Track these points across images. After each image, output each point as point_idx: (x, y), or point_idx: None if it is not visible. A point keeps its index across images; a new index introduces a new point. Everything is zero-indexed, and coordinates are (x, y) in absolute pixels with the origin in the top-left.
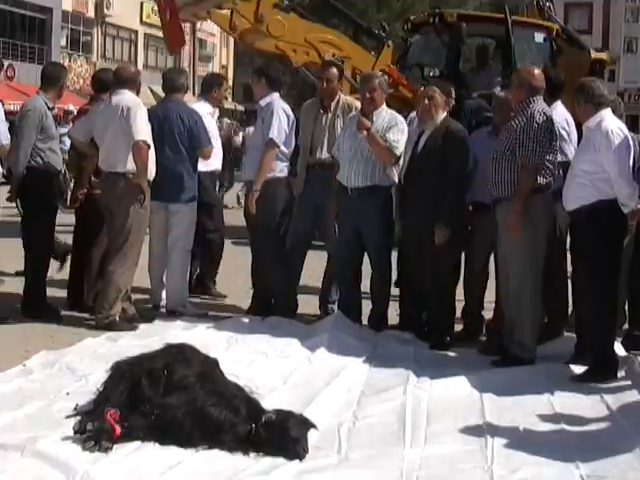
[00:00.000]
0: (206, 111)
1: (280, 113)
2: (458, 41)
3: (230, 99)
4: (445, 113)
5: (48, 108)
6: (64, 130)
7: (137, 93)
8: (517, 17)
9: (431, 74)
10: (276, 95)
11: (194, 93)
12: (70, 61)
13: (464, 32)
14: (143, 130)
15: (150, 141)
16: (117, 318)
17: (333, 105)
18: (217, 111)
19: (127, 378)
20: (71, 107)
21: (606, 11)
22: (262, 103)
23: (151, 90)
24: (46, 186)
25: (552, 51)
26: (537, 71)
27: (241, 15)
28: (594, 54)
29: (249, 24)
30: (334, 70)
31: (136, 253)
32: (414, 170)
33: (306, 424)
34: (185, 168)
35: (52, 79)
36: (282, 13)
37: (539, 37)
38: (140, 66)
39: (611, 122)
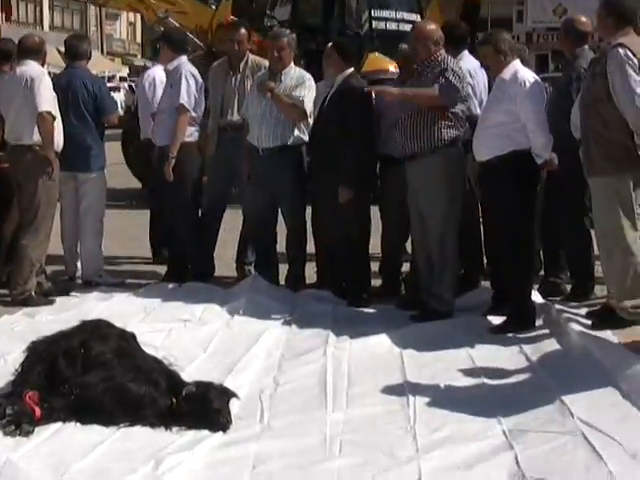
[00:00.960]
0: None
1: (188, 77)
2: None
3: (139, 56)
4: (350, 70)
5: None
6: None
7: (42, 63)
8: None
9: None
10: (183, 58)
11: (102, 52)
12: None
13: None
14: (47, 100)
15: (56, 112)
16: (33, 293)
17: (242, 66)
18: None
19: (44, 358)
20: None
21: None
22: (170, 67)
23: (59, 51)
24: None
25: None
26: (432, 26)
27: None
28: None
29: None
30: (243, 31)
31: (48, 226)
32: (318, 128)
33: (227, 394)
34: (92, 136)
35: None
36: None
37: None
38: (46, 27)
39: (526, 72)
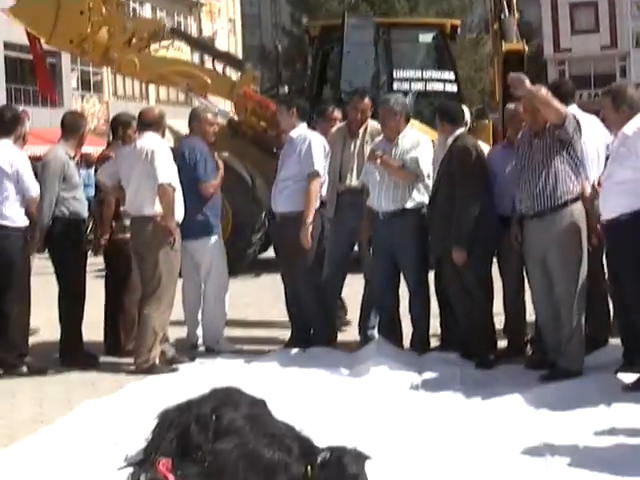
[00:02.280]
0: None
1: (317, 144)
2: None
3: None
4: (459, 130)
5: (69, 157)
6: (84, 173)
7: (162, 135)
8: (399, 19)
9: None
10: (304, 125)
11: None
12: (83, 101)
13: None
14: (167, 172)
15: (176, 183)
16: (157, 361)
17: (361, 132)
18: None
19: (175, 425)
20: (89, 148)
21: (612, 8)
22: (293, 135)
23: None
24: (73, 235)
25: (444, 49)
26: None
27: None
28: (507, 45)
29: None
30: (367, 100)
31: (170, 296)
32: (435, 190)
33: (362, 457)
34: (198, 203)
35: (72, 128)
36: (135, 51)
37: (425, 37)
38: (152, 101)
39: None
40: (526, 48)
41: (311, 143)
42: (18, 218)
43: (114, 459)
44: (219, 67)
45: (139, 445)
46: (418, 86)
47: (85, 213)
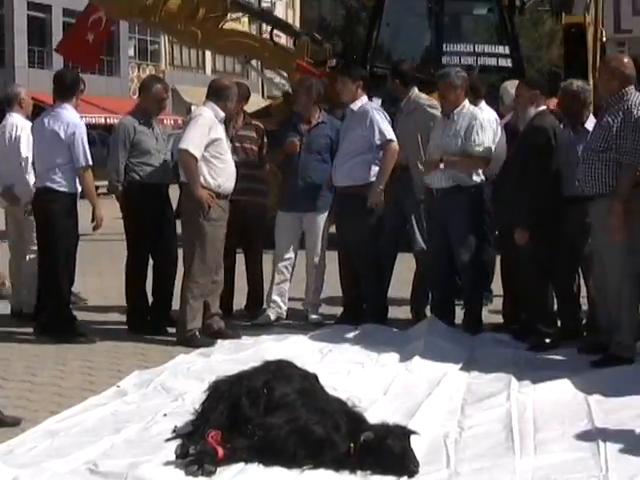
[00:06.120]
0: None
1: (380, 114)
2: None
3: None
4: (540, 108)
5: (140, 123)
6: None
7: (229, 104)
8: None
9: None
10: (365, 97)
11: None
12: (139, 70)
13: None
14: (190, 140)
15: (198, 151)
16: (197, 333)
17: (403, 104)
18: None
19: (226, 398)
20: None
21: None
22: (354, 107)
23: None
24: (145, 200)
25: (503, 22)
26: (627, 59)
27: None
28: (567, 18)
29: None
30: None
31: (207, 268)
32: (505, 166)
33: (407, 436)
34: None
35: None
36: (198, 23)
37: (480, 9)
38: (208, 71)
39: None
40: (589, 20)
41: (374, 115)
42: (68, 184)
43: (163, 430)
44: (279, 41)
45: (188, 417)
46: (469, 60)
47: (161, 178)
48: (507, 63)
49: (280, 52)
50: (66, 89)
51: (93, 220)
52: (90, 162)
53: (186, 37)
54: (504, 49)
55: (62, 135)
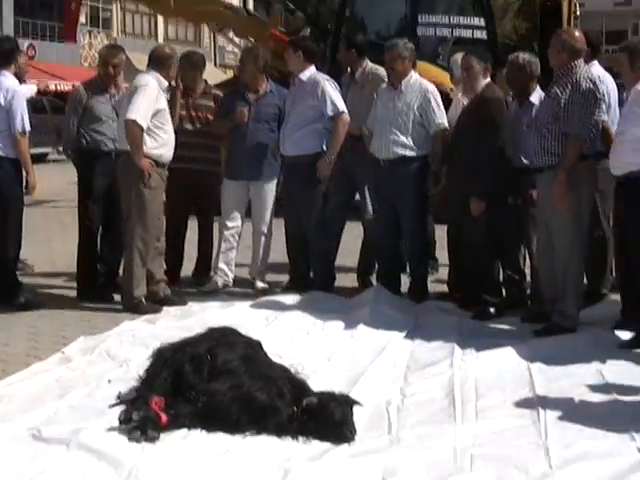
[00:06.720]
0: None
1: (331, 85)
2: None
3: None
4: (486, 80)
5: (95, 90)
6: None
7: (170, 73)
8: None
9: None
10: (313, 68)
11: (215, 64)
12: (90, 37)
13: None
14: (136, 109)
15: (144, 121)
16: (143, 300)
17: (358, 75)
18: None
19: (170, 364)
20: None
21: None
22: (302, 77)
23: None
24: (93, 167)
25: None
26: (578, 33)
27: None
28: None
29: None
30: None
31: (149, 235)
32: (454, 138)
33: (350, 404)
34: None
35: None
36: None
37: None
38: (161, 39)
39: None
40: None
41: (325, 85)
42: (11, 150)
43: (107, 396)
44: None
45: (133, 383)
46: (444, 32)
47: (109, 145)
48: (482, 35)
49: (253, 21)
50: (3, 56)
51: (27, 187)
52: (28, 128)
53: (160, 3)
54: (479, 21)
55: (2, 101)
